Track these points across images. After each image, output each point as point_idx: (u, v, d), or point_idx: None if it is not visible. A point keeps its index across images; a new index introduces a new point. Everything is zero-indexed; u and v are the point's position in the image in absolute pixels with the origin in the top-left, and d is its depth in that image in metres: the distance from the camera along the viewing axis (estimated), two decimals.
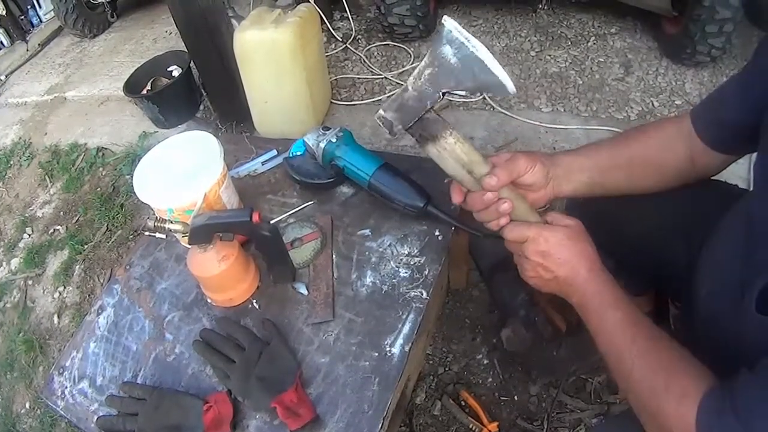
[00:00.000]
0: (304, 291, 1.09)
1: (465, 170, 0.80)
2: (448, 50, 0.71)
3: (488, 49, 0.68)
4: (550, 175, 0.86)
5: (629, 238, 1.00)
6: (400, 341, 0.97)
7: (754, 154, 0.76)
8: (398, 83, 2.57)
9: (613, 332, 0.73)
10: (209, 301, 1.11)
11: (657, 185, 0.90)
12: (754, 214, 0.71)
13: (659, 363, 0.67)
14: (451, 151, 0.79)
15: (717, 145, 0.84)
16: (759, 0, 2.22)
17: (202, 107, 2.66)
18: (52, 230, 2.44)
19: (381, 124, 0.80)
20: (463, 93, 0.75)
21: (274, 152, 1.41)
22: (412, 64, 2.67)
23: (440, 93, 0.75)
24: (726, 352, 0.71)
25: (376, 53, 2.83)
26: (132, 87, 2.56)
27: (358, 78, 2.68)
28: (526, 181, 0.83)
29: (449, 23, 0.70)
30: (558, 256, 0.78)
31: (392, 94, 0.76)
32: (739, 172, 0.89)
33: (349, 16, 3.00)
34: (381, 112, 0.79)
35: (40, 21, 4.09)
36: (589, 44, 2.64)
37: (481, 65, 0.70)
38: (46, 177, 2.71)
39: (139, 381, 1.04)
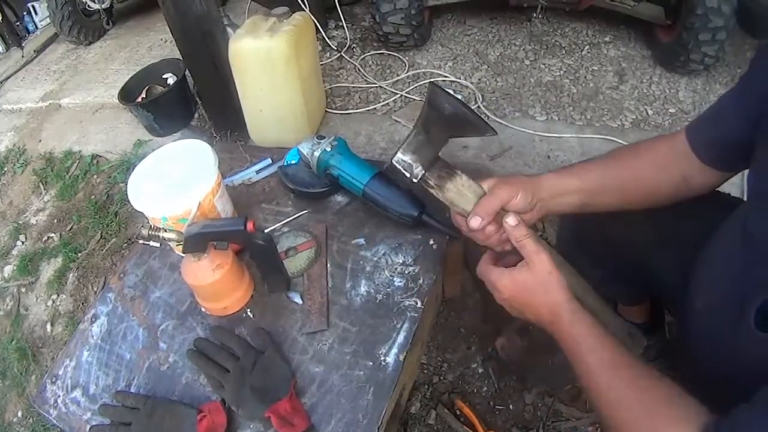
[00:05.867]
0: (298, 300, 1.09)
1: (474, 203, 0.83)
2: (444, 105, 0.79)
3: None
4: (534, 200, 0.84)
5: (621, 246, 1.01)
6: (394, 350, 0.97)
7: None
8: (393, 92, 2.58)
9: (590, 375, 0.70)
10: (203, 310, 1.11)
11: (649, 205, 0.89)
12: (753, 232, 0.69)
13: (642, 407, 0.63)
14: (468, 186, 0.83)
15: (716, 164, 0.83)
16: (751, 8, 2.26)
17: (196, 115, 2.66)
18: (45, 238, 2.42)
19: (402, 168, 0.81)
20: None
21: (269, 161, 1.41)
22: (406, 72, 2.68)
23: (447, 138, 0.83)
24: (721, 365, 0.71)
25: (370, 62, 2.83)
26: (127, 94, 2.56)
27: (353, 87, 2.68)
28: (510, 208, 0.82)
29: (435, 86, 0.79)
30: (518, 302, 0.80)
31: (404, 141, 0.82)
32: (731, 179, 0.89)
33: (344, 25, 3.01)
34: (400, 156, 0.81)
35: (36, 27, 4.09)
36: (583, 53, 2.66)
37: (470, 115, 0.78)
38: (40, 184, 2.69)
39: (132, 390, 1.03)
